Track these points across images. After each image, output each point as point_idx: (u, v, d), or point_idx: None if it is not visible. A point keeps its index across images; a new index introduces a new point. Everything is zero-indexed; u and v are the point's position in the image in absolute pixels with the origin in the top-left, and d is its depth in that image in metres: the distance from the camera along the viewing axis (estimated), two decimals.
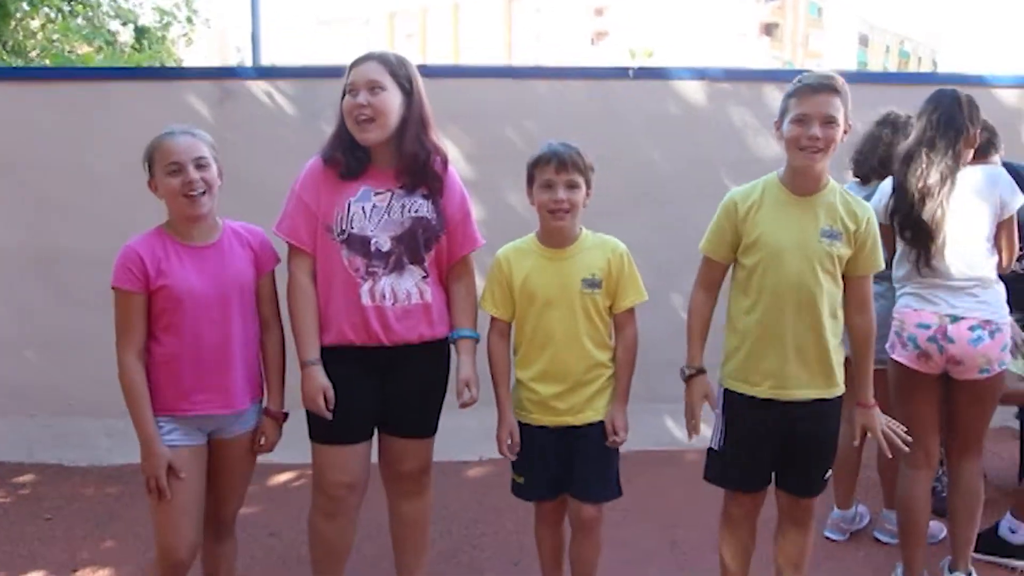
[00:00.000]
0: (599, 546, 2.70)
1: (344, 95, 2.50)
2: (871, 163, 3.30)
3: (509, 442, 2.62)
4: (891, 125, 3.27)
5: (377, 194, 2.50)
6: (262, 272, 2.55)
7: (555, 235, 2.57)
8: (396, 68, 2.49)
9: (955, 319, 2.76)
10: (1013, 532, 3.12)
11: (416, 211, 2.52)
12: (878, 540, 3.42)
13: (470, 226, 2.66)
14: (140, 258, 2.34)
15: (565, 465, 2.62)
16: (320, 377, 2.49)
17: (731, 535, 2.67)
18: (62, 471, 4.20)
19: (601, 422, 2.58)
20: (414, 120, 2.51)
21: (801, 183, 2.46)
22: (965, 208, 2.78)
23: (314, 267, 2.54)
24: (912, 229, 2.81)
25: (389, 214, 2.50)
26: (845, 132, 2.40)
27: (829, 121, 2.34)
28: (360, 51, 2.56)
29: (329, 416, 2.48)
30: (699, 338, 2.59)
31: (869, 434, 2.57)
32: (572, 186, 2.49)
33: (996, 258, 2.83)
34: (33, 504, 3.83)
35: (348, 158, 2.50)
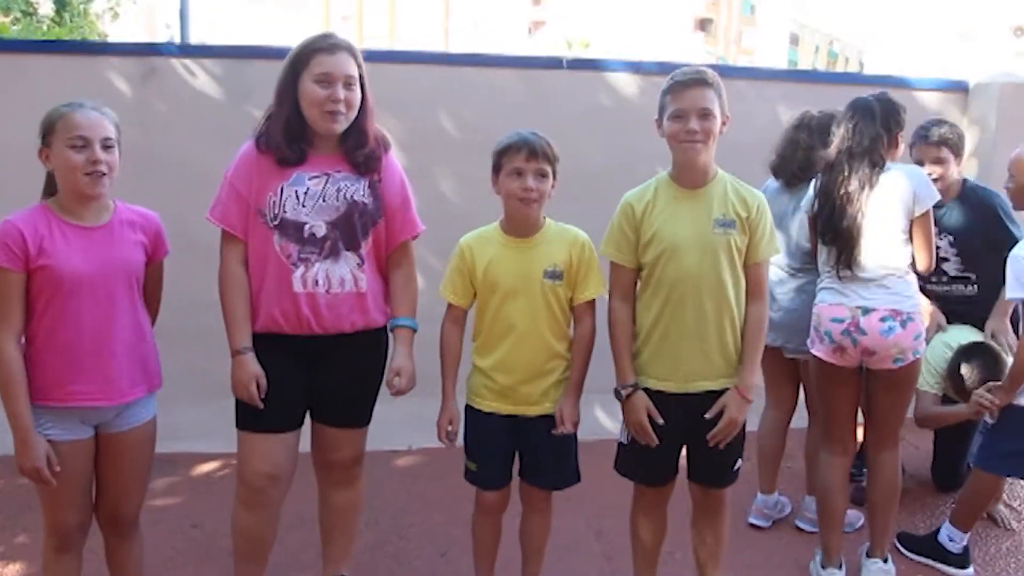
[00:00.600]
0: (549, 523, 2.75)
1: (295, 78, 2.42)
2: (792, 168, 3.34)
3: (449, 430, 2.61)
4: (807, 128, 3.33)
5: (312, 178, 2.46)
6: (153, 260, 2.45)
7: (520, 224, 2.56)
8: (359, 58, 2.48)
9: (866, 311, 2.84)
10: (952, 540, 3.19)
11: (352, 195, 2.47)
12: (799, 528, 3.51)
13: (409, 212, 2.62)
14: (20, 234, 2.19)
15: (514, 454, 2.64)
16: (253, 365, 2.45)
17: (641, 523, 2.73)
18: None
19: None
20: (365, 110, 2.49)
21: (689, 177, 2.50)
22: (881, 206, 2.86)
23: (246, 253, 2.49)
24: (833, 233, 2.89)
25: (324, 198, 2.45)
26: (724, 123, 2.46)
27: (705, 114, 2.40)
28: (297, 35, 2.50)
29: (261, 405, 2.44)
30: (626, 352, 2.56)
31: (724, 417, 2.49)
32: (541, 175, 2.50)
33: (909, 250, 2.89)
34: None
35: (292, 149, 2.44)
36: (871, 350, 2.85)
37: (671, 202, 2.51)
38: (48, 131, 2.26)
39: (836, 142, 2.93)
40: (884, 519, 3.03)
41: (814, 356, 2.98)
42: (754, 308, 2.54)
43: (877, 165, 2.86)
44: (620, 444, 2.64)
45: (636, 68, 4.53)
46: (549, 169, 2.51)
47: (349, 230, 2.48)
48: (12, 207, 2.33)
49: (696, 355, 2.48)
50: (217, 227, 2.50)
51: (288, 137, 2.43)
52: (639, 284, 2.58)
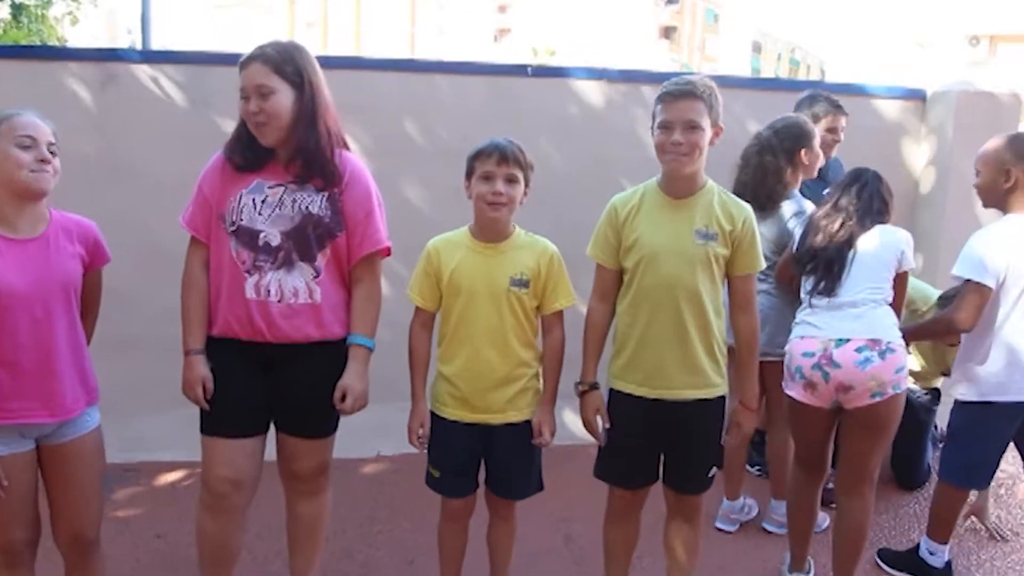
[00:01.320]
0: (515, 529, 2.76)
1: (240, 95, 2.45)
2: (766, 193, 3.34)
3: (420, 432, 2.60)
4: (770, 151, 3.36)
5: (270, 187, 2.45)
6: (90, 269, 2.39)
7: (489, 229, 2.55)
8: (281, 65, 2.41)
9: (840, 342, 2.77)
10: (932, 554, 3.19)
11: (307, 207, 2.45)
12: (766, 530, 3.54)
13: (371, 226, 2.54)
14: None
15: (480, 462, 2.64)
16: (200, 367, 2.46)
17: (614, 528, 2.74)
18: None
19: (524, 422, 2.59)
20: (305, 113, 2.44)
21: (675, 187, 2.51)
22: (867, 249, 2.90)
23: (207, 257, 2.52)
24: (815, 258, 2.94)
25: (280, 208, 2.44)
26: (716, 135, 2.47)
27: (692, 126, 2.40)
28: (249, 48, 2.47)
29: (206, 406, 2.46)
30: (594, 351, 2.61)
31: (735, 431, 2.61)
32: (511, 180, 2.49)
33: (890, 295, 2.90)
34: None
35: (246, 154, 2.46)
36: (846, 385, 2.74)
37: (655, 210, 2.52)
38: None
39: (838, 203, 2.98)
40: (846, 565, 2.92)
41: (787, 396, 2.96)
42: (744, 320, 2.57)
43: (876, 223, 2.95)
44: (599, 448, 2.65)
45: (601, 75, 4.56)
46: (520, 175, 2.51)
47: (303, 241, 2.46)
48: None
49: (671, 362, 2.49)
50: (187, 233, 2.52)
51: (239, 148, 2.47)
52: (620, 288, 2.59)
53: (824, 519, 3.51)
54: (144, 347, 3.85)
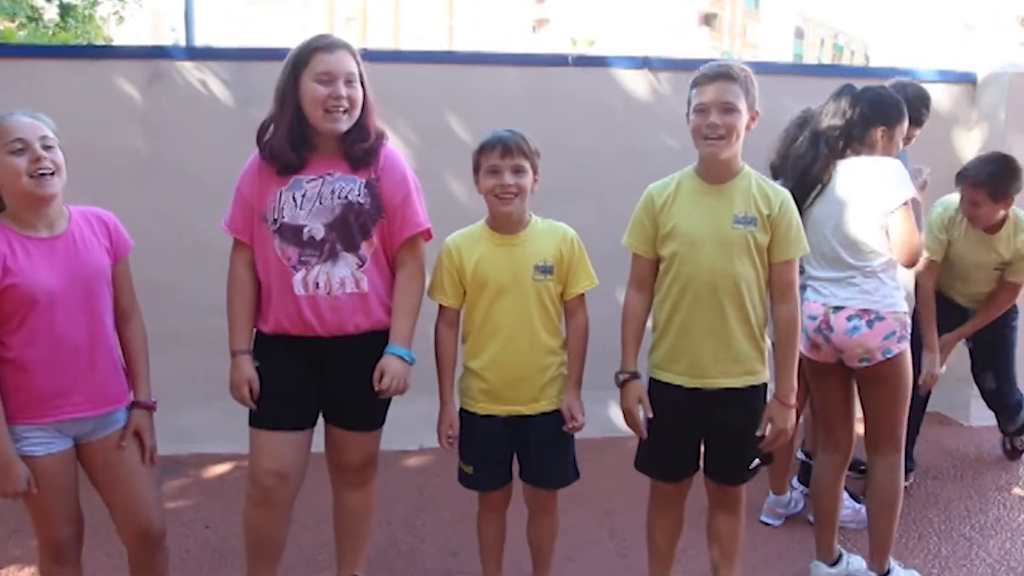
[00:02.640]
0: (557, 521, 2.75)
1: (296, 79, 2.41)
2: (799, 165, 3.28)
3: (450, 434, 2.61)
4: (810, 126, 3.29)
5: (309, 181, 2.46)
6: (117, 258, 2.39)
7: (504, 221, 2.55)
8: (357, 56, 2.48)
9: (836, 309, 2.84)
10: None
11: (347, 195, 2.46)
12: (765, 523, 3.52)
13: (410, 208, 2.55)
14: None
15: (515, 454, 2.63)
16: (247, 368, 2.48)
17: (657, 520, 2.72)
18: None
19: (555, 411, 2.59)
20: (367, 108, 2.49)
21: (712, 172, 2.48)
22: (851, 198, 2.85)
23: (252, 257, 2.53)
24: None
25: (320, 201, 2.46)
26: (752, 119, 2.43)
27: (728, 109, 2.36)
28: (299, 36, 2.49)
29: (253, 407, 2.48)
30: (633, 341, 2.58)
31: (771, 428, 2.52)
32: (518, 171, 2.48)
33: (885, 248, 2.83)
34: None
35: (294, 156, 2.44)
36: (840, 348, 2.86)
37: (692, 196, 2.49)
38: None
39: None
40: (878, 528, 2.95)
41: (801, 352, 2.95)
42: (783, 309, 2.49)
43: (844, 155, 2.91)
44: (640, 440, 2.63)
45: (642, 64, 4.51)
46: (527, 164, 2.50)
47: (346, 231, 2.47)
48: None
49: (711, 351, 2.46)
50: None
51: (292, 142, 2.44)
52: (659, 277, 2.57)
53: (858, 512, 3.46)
54: (191, 340, 3.91)
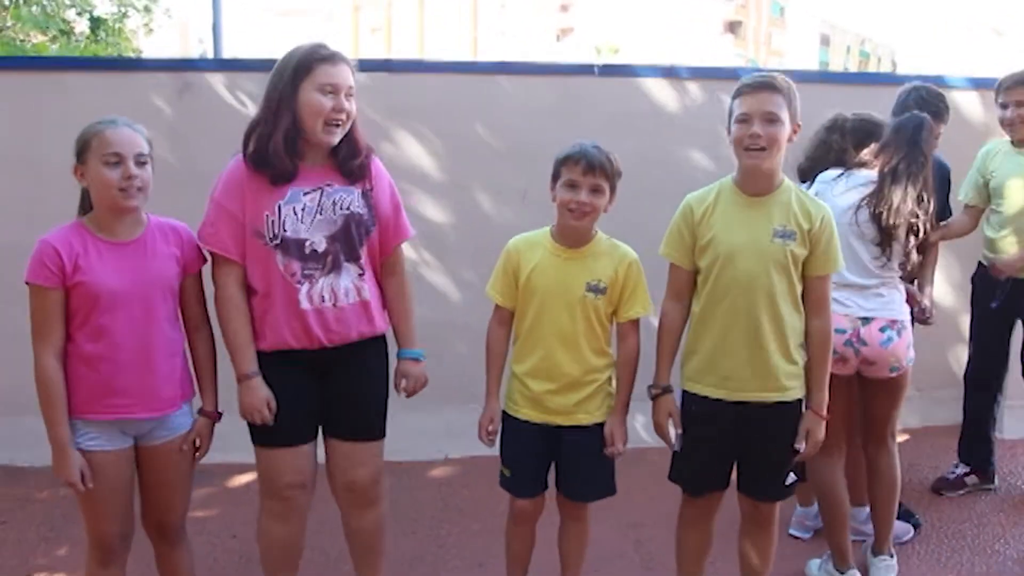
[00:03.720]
0: (588, 531, 2.74)
1: (294, 88, 2.38)
2: (823, 169, 3.24)
3: (490, 428, 2.62)
4: (840, 131, 3.26)
5: (306, 194, 2.43)
6: (188, 271, 2.46)
7: (570, 235, 2.55)
8: (354, 71, 2.47)
9: (866, 321, 2.86)
10: None
11: (348, 207, 2.46)
12: (794, 536, 3.46)
13: (401, 217, 2.64)
14: (56, 252, 2.23)
15: (549, 463, 2.64)
16: (262, 389, 2.44)
17: (686, 535, 2.69)
18: (15, 473, 4.08)
19: (594, 425, 2.58)
20: (354, 122, 2.49)
21: (752, 184, 2.46)
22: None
23: (243, 275, 2.46)
24: (884, 230, 2.87)
25: (321, 212, 2.44)
26: (795, 131, 2.41)
27: (771, 119, 2.34)
28: (314, 42, 2.46)
29: (271, 424, 2.45)
30: (668, 354, 2.57)
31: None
32: (596, 190, 2.47)
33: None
34: None
35: (286, 163, 2.39)
36: (871, 360, 2.87)
37: (732, 208, 2.47)
38: (83, 148, 2.29)
39: (890, 152, 2.92)
40: (887, 515, 3.06)
41: None
42: (818, 323, 2.49)
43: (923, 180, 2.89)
44: (674, 452, 2.61)
45: (668, 73, 4.49)
46: (606, 185, 2.48)
47: (348, 242, 2.47)
48: (53, 222, 2.36)
49: (747, 364, 2.44)
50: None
51: (288, 149, 2.38)
52: (696, 288, 2.55)
53: (907, 531, 3.41)
54: (218, 350, 3.93)
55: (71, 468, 2.26)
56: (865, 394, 3.01)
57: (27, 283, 2.27)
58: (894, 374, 2.89)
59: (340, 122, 2.40)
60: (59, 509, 3.67)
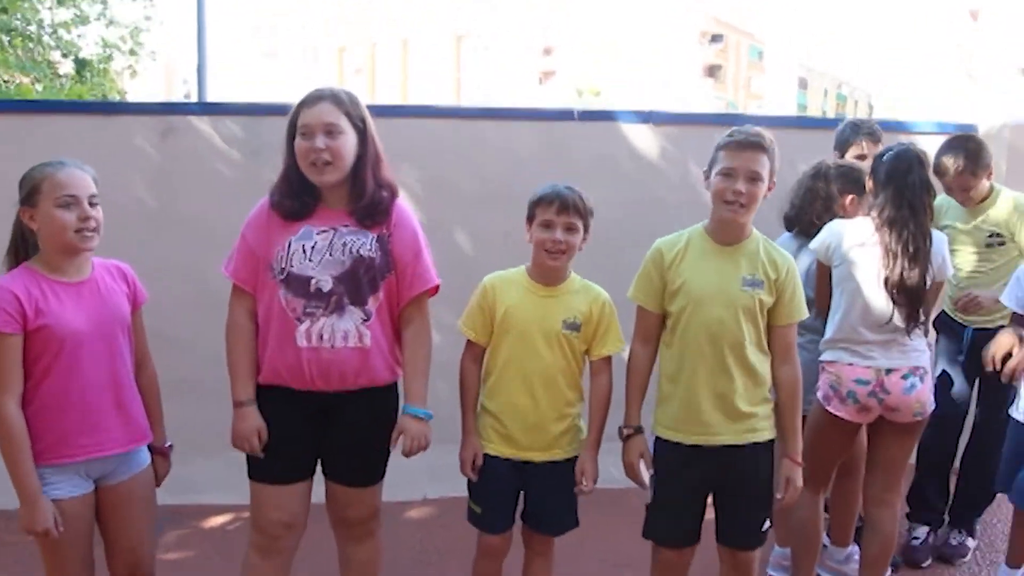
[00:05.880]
0: (552, 565, 2.75)
1: (293, 135, 2.44)
2: (809, 217, 3.32)
3: (475, 464, 2.62)
4: (824, 178, 3.33)
5: (320, 232, 2.46)
6: (135, 307, 2.48)
7: (547, 273, 2.60)
8: (350, 108, 2.45)
9: (889, 371, 2.84)
10: None
11: (358, 250, 2.46)
12: None
13: (421, 265, 2.55)
14: (15, 297, 2.21)
15: (518, 498, 2.65)
16: (254, 418, 2.46)
17: None
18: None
19: (565, 460, 2.61)
20: (369, 159, 2.48)
21: (724, 234, 2.52)
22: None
23: (254, 306, 2.51)
24: (907, 295, 2.81)
25: (331, 253, 2.45)
26: (770, 189, 2.48)
27: (754, 178, 2.41)
28: (308, 88, 2.51)
29: (262, 456, 2.45)
30: (637, 396, 2.60)
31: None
32: (570, 229, 2.53)
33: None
34: None
35: (295, 203, 2.45)
36: (893, 407, 2.86)
37: (702, 255, 2.53)
38: (32, 191, 2.27)
39: (890, 195, 2.86)
40: (876, 573, 3.02)
41: (828, 412, 2.93)
42: (786, 371, 2.55)
43: (930, 219, 2.88)
44: (647, 506, 2.62)
45: (647, 118, 4.58)
46: (580, 223, 2.55)
47: (355, 285, 2.47)
48: None
49: (716, 408, 2.47)
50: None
51: (289, 192, 2.46)
52: (664, 333, 2.59)
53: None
54: (195, 390, 3.90)
55: (45, 517, 2.22)
56: (881, 439, 2.98)
57: None
58: (917, 418, 2.89)
59: (318, 162, 2.39)
60: (30, 550, 3.60)
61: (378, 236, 2.50)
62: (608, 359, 2.65)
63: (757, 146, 2.43)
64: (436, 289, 2.60)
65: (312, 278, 2.44)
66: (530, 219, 2.59)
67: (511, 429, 2.58)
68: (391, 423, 2.55)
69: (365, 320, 2.49)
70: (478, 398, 2.68)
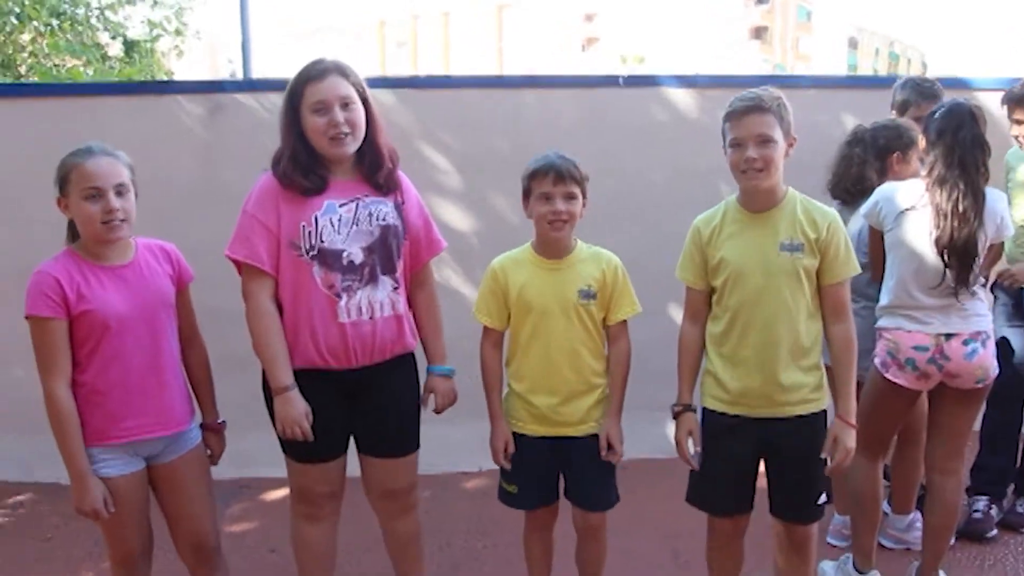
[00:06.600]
0: (605, 547, 2.74)
1: (295, 110, 2.42)
2: (845, 185, 3.26)
3: (508, 450, 2.62)
4: (861, 143, 3.25)
5: (342, 205, 2.44)
6: (181, 287, 2.50)
7: (552, 246, 2.57)
8: (353, 77, 2.45)
9: (948, 336, 2.76)
10: None
11: (384, 218, 2.48)
12: (831, 544, 3.39)
13: (432, 230, 2.66)
14: (57, 282, 2.23)
15: (559, 474, 2.65)
16: (301, 402, 2.43)
17: (716, 554, 2.68)
18: (61, 490, 4.12)
19: (599, 435, 2.59)
20: (374, 126, 2.48)
21: (754, 202, 2.47)
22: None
23: (275, 289, 2.46)
24: (958, 256, 2.72)
25: (357, 224, 2.45)
26: (790, 145, 2.40)
27: (764, 140, 2.34)
28: (311, 61, 2.47)
29: (313, 438, 2.44)
30: (688, 373, 2.58)
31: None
32: (570, 197, 2.50)
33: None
34: (32, 524, 3.80)
35: (310, 178, 2.42)
36: (955, 373, 2.79)
37: (737, 226, 2.48)
38: (64, 181, 2.29)
39: (941, 153, 2.75)
40: (941, 545, 2.95)
41: (886, 379, 2.85)
42: (839, 329, 2.46)
43: (987, 177, 2.76)
44: (691, 472, 2.60)
45: (692, 83, 4.48)
46: (578, 191, 2.52)
47: (385, 253, 2.48)
48: None
49: (765, 380, 2.43)
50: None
51: (300, 169, 2.41)
52: (713, 306, 2.55)
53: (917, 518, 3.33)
54: (253, 365, 3.98)
55: (94, 496, 2.27)
56: (943, 406, 2.91)
57: (28, 317, 2.25)
58: (980, 385, 2.82)
59: (341, 135, 2.40)
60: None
61: (394, 204, 2.52)
62: (624, 323, 2.62)
63: (757, 108, 2.35)
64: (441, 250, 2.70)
65: (343, 251, 2.43)
66: (526, 194, 2.56)
67: (542, 408, 2.57)
68: (417, 386, 2.63)
69: (396, 288, 2.51)
70: (502, 383, 2.67)
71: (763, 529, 2.67)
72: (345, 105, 2.40)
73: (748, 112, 2.36)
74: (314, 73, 2.42)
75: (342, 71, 2.44)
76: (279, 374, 2.43)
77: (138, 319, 2.32)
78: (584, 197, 2.55)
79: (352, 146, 2.43)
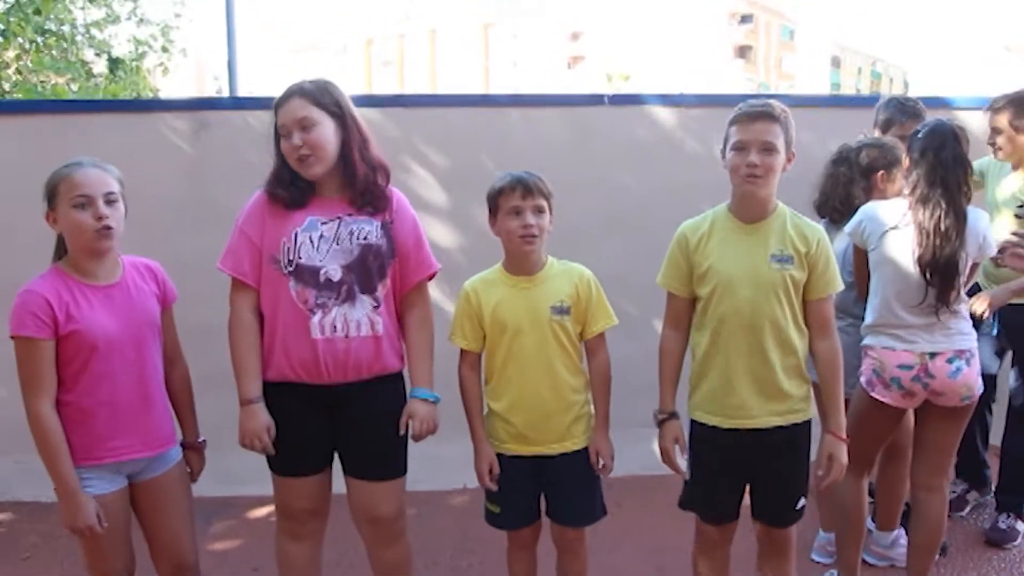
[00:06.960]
0: (586, 562, 2.73)
1: (276, 133, 2.46)
2: (833, 203, 3.29)
3: (491, 473, 2.61)
4: (846, 162, 3.28)
5: (324, 223, 2.46)
6: (165, 306, 2.50)
7: (523, 262, 2.57)
8: (319, 97, 2.45)
9: (933, 355, 2.78)
10: None
11: (365, 238, 2.47)
12: (815, 561, 3.40)
13: (423, 251, 2.61)
14: (46, 302, 2.21)
15: (541, 493, 2.64)
16: (263, 415, 2.44)
17: (702, 561, 2.68)
18: (39, 509, 4.10)
19: (582, 449, 2.59)
20: (355, 142, 2.48)
21: (747, 211, 2.47)
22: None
23: (257, 302, 2.49)
24: (940, 274, 2.73)
25: (338, 242, 2.45)
26: (789, 160, 2.42)
27: (767, 148, 2.36)
28: (282, 89, 2.51)
29: (273, 452, 2.45)
30: (670, 381, 2.58)
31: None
32: (539, 211, 2.52)
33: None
34: (10, 543, 3.76)
35: (291, 192, 2.46)
36: (939, 391, 2.80)
37: (727, 235, 2.49)
38: (52, 194, 2.29)
39: (923, 172, 2.77)
40: (926, 562, 2.96)
41: (872, 398, 2.87)
42: (824, 345, 2.49)
43: (969, 197, 2.78)
44: (685, 480, 2.61)
45: (676, 102, 4.53)
46: (546, 204, 2.53)
47: (364, 273, 2.47)
48: None
49: (752, 391, 2.44)
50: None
51: (281, 185, 2.46)
52: (695, 317, 2.56)
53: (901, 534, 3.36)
54: (233, 383, 3.97)
55: (87, 514, 2.25)
56: (928, 423, 2.91)
57: (13, 336, 2.22)
58: (965, 403, 2.82)
59: (302, 156, 2.41)
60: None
61: (382, 223, 2.51)
62: (602, 336, 2.62)
63: (767, 116, 2.38)
64: (434, 274, 2.64)
65: (321, 268, 2.43)
66: (494, 211, 2.56)
67: (521, 427, 2.56)
68: (401, 410, 2.56)
69: (375, 307, 2.49)
70: (482, 405, 2.66)
71: (746, 545, 2.68)
72: (303, 128, 2.40)
73: (758, 118, 2.38)
74: (281, 98, 2.46)
75: (303, 92, 2.44)
76: (245, 385, 2.46)
77: (126, 339, 2.31)
78: (551, 212, 2.56)
79: (317, 167, 2.43)
